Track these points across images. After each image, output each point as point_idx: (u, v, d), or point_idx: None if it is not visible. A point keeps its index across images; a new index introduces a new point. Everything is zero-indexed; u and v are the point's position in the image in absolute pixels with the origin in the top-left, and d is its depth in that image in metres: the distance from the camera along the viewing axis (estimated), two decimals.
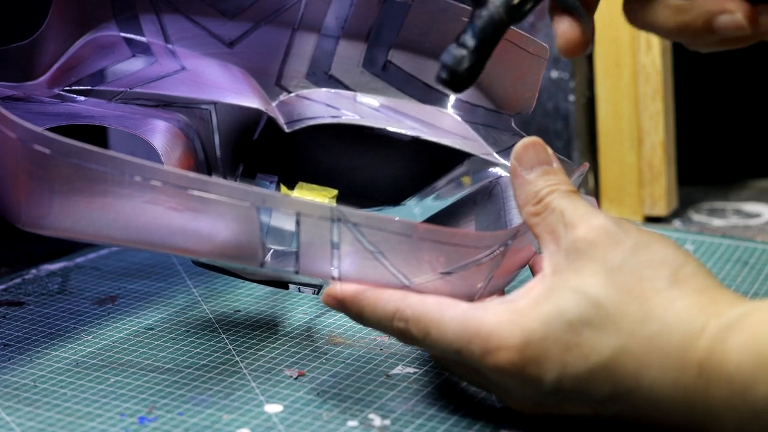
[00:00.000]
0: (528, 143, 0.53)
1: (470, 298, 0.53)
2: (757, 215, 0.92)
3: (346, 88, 0.70)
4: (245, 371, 0.58)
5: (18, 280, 0.72)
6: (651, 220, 0.90)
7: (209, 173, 0.69)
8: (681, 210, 0.92)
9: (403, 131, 0.69)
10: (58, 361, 0.59)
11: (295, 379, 0.57)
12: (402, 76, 0.69)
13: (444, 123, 0.69)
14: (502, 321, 0.49)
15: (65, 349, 0.61)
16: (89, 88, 0.67)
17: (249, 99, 0.68)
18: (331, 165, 0.71)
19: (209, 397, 0.55)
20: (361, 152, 0.70)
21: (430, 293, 0.52)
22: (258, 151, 0.70)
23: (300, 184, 0.68)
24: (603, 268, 0.49)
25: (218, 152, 0.69)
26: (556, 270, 0.50)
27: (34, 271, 0.74)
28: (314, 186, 0.69)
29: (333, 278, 0.53)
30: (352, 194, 0.70)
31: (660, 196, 0.89)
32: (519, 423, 0.52)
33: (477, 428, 0.52)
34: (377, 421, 0.53)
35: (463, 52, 0.52)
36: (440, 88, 0.56)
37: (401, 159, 0.70)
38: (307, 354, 0.60)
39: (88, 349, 0.61)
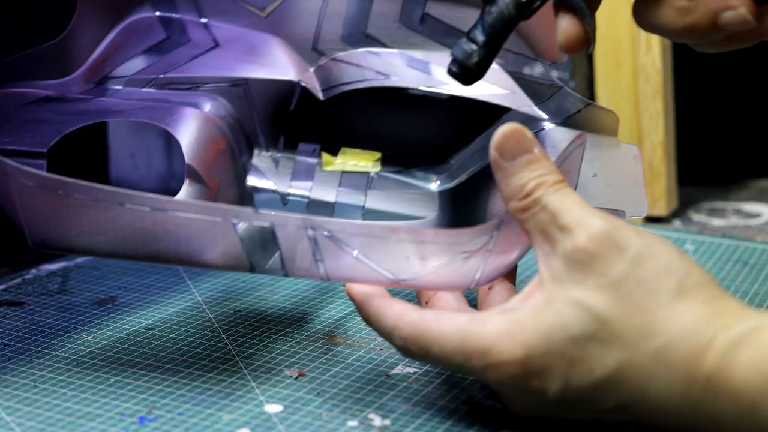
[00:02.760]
0: (508, 132, 0.51)
1: (467, 287, 0.53)
2: (757, 215, 0.92)
3: (384, 45, 0.68)
4: (245, 371, 0.58)
5: (18, 280, 0.72)
6: (651, 220, 0.90)
7: (250, 149, 0.70)
8: (681, 210, 0.92)
9: (439, 89, 0.68)
10: (58, 361, 0.59)
11: (295, 379, 0.57)
12: (440, 28, 0.67)
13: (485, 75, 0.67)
14: (501, 334, 0.49)
15: (65, 349, 0.61)
16: (124, 76, 0.67)
17: (282, 71, 0.68)
18: (371, 128, 0.70)
19: (209, 397, 0.55)
20: (399, 113, 0.70)
21: (423, 287, 0.53)
22: (297, 121, 0.70)
23: (343, 149, 0.68)
24: (606, 281, 0.48)
25: (257, 127, 0.70)
26: (555, 277, 0.49)
27: (34, 271, 0.74)
28: (357, 150, 0.69)
29: (323, 278, 0.54)
30: (395, 156, 0.70)
31: (660, 196, 0.89)
32: (518, 424, 0.52)
33: (477, 428, 0.52)
34: (377, 421, 0.53)
35: (473, 47, 0.54)
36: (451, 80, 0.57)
37: (441, 117, 0.69)
38: (307, 354, 0.60)
39: (88, 349, 0.61)
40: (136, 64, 0.67)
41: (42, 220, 0.54)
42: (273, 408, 0.54)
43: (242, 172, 0.69)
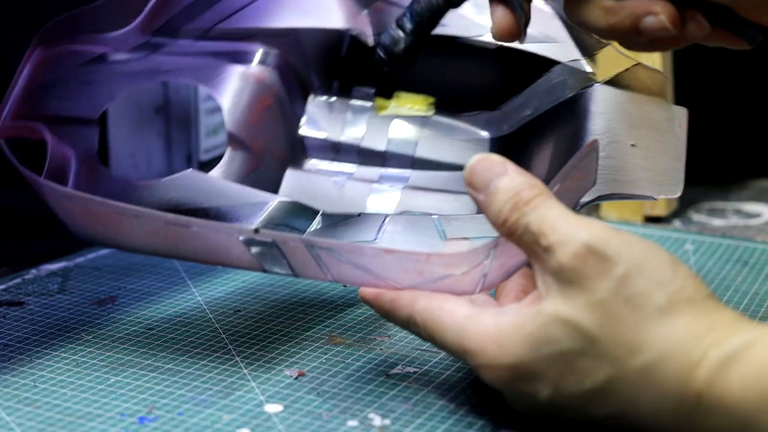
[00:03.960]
0: (473, 164, 0.51)
1: (471, 293, 0.53)
2: (757, 215, 0.92)
3: None
4: (245, 371, 0.58)
5: (18, 280, 0.72)
6: (651, 220, 0.90)
7: (304, 95, 0.70)
8: (681, 210, 0.92)
9: (487, 40, 0.67)
10: (58, 361, 0.59)
11: (295, 379, 0.57)
12: None
13: (537, 21, 0.64)
14: (488, 340, 0.49)
15: (65, 349, 0.61)
16: (179, 28, 0.68)
17: (331, 18, 0.68)
18: (423, 74, 0.69)
19: (209, 397, 0.55)
20: (451, 61, 0.69)
21: (426, 291, 0.53)
22: (350, 66, 0.70)
23: (397, 93, 0.69)
24: (595, 299, 0.47)
25: (311, 73, 0.70)
26: (549, 293, 0.49)
27: (34, 271, 0.74)
28: (412, 94, 0.69)
29: (331, 281, 0.55)
30: (449, 100, 0.69)
31: None
32: (518, 423, 0.52)
33: (477, 428, 0.52)
34: (377, 420, 0.53)
35: (401, 34, 0.55)
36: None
37: (491, 66, 0.68)
38: (307, 354, 0.60)
39: (88, 349, 0.61)
40: (190, 14, 0.68)
41: (77, 220, 0.57)
42: (273, 408, 0.54)
43: (294, 122, 0.70)
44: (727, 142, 1.03)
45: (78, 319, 0.65)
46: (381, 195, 0.69)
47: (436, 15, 0.55)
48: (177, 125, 0.93)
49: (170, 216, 0.54)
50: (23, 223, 0.89)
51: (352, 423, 0.52)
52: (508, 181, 0.50)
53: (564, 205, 0.50)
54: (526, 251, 0.50)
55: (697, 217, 0.91)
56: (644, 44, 0.56)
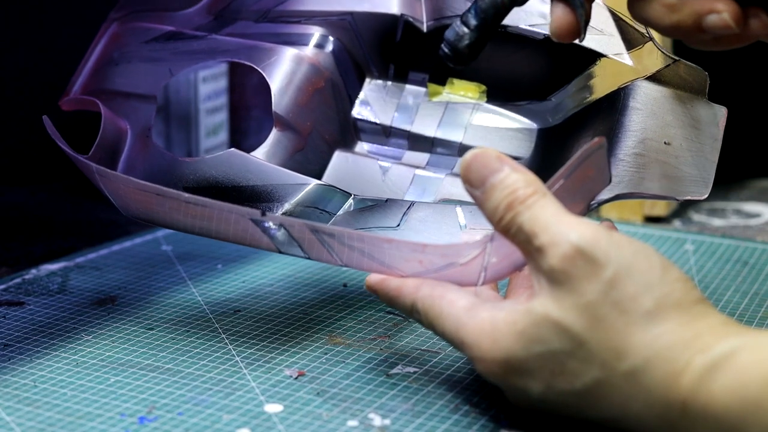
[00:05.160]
0: (469, 161, 0.51)
1: (473, 284, 0.54)
2: (757, 215, 0.92)
3: None
4: (245, 371, 0.58)
5: (18, 280, 0.72)
6: (651, 220, 0.90)
7: (361, 79, 0.71)
8: (681, 210, 0.92)
9: (535, 29, 0.67)
10: (58, 361, 0.59)
11: (295, 379, 0.57)
12: None
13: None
14: (482, 334, 0.50)
15: (65, 349, 0.61)
16: (240, 9, 0.70)
17: (386, 3, 0.70)
18: (475, 61, 0.70)
19: (209, 397, 0.55)
20: (501, 50, 0.69)
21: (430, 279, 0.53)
22: (405, 51, 0.71)
23: (450, 80, 0.69)
24: (583, 302, 0.47)
25: (367, 56, 0.71)
26: (542, 292, 0.49)
27: (34, 271, 0.74)
28: (464, 81, 0.69)
29: (341, 266, 0.56)
30: (499, 89, 0.70)
31: None
32: (518, 423, 0.52)
33: (477, 428, 0.52)
34: (377, 420, 0.53)
35: (465, 30, 0.55)
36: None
37: (539, 56, 0.68)
38: (307, 354, 0.60)
39: (88, 349, 0.61)
40: None
41: (121, 198, 0.60)
42: (273, 408, 0.54)
43: (346, 104, 0.71)
44: (727, 142, 1.03)
45: (78, 319, 0.65)
46: (423, 180, 0.70)
47: (501, 12, 0.55)
48: (177, 125, 0.93)
49: (186, 195, 0.56)
50: (23, 223, 0.89)
51: (352, 423, 0.52)
52: (504, 178, 0.50)
53: (561, 204, 0.50)
54: (521, 250, 0.50)
55: (697, 217, 0.91)
56: (707, 42, 0.56)
